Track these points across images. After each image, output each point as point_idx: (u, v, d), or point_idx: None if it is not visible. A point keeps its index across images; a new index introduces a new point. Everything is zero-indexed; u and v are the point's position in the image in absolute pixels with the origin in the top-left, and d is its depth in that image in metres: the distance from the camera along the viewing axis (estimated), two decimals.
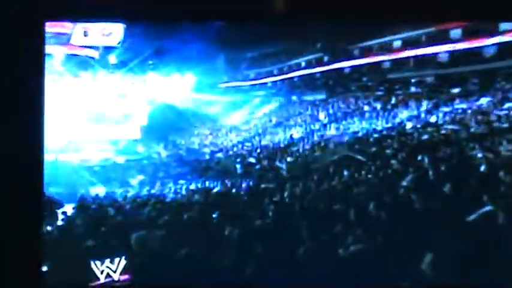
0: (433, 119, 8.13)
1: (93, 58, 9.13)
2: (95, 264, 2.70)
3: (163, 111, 12.69)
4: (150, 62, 12.14)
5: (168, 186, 8.53)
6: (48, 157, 3.67)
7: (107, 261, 2.72)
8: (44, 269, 2.73)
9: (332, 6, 2.84)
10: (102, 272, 2.69)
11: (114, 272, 2.72)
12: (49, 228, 3.61)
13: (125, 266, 2.76)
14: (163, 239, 3.05)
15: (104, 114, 10.74)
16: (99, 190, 7.12)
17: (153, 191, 7.81)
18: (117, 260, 2.75)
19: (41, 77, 2.36)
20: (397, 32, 11.76)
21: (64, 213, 4.16)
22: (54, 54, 7.58)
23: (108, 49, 9.04)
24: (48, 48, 3.24)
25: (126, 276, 2.75)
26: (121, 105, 11.47)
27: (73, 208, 4.50)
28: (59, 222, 3.75)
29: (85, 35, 2.91)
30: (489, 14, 2.97)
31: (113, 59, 10.47)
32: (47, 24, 2.72)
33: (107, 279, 2.69)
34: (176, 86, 13.23)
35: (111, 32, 2.92)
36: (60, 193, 5.54)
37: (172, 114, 13.13)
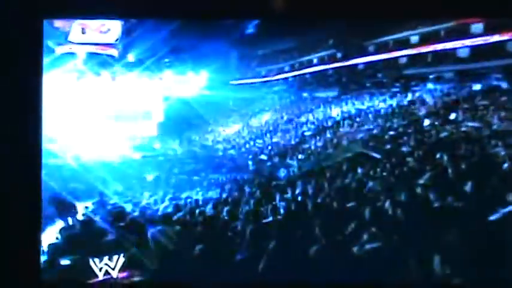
0: (452, 115, 7.85)
1: (113, 57, 9.29)
2: (94, 261, 2.70)
3: (179, 108, 12.84)
4: (166, 60, 12.29)
5: (183, 182, 8.65)
6: (68, 154, 3.82)
7: (105, 258, 2.72)
8: (66, 262, 2.78)
9: (345, 2, 2.78)
10: (100, 269, 2.70)
11: (113, 269, 2.72)
12: (70, 223, 3.72)
13: (124, 263, 2.74)
14: (179, 235, 3.08)
15: (122, 111, 10.96)
16: (118, 186, 7.30)
17: (168, 188, 7.95)
18: (115, 257, 2.75)
19: (39, 75, 2.35)
20: (414, 27, 11.39)
21: (86, 208, 4.28)
22: (78, 53, 7.78)
23: (127, 48, 9.22)
24: (73, 48, 3.35)
25: (124, 274, 2.74)
26: (138, 103, 11.68)
27: (92, 204, 4.63)
28: (80, 217, 3.84)
29: (83, 32, 2.94)
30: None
31: (131, 57, 10.65)
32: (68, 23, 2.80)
33: (106, 277, 2.69)
34: (191, 83, 13.36)
35: (109, 29, 2.93)
36: (80, 189, 5.71)
37: (187, 111, 13.28)
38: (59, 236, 3.24)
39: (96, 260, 2.73)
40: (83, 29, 2.88)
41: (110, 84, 10.84)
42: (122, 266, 2.73)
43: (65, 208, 3.97)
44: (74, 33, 2.92)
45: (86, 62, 9.07)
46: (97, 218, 3.57)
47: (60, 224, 3.67)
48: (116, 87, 11.05)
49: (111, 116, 10.73)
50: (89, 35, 2.91)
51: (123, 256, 2.78)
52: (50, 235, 3.32)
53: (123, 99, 11.24)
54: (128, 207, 4.55)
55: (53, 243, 3.05)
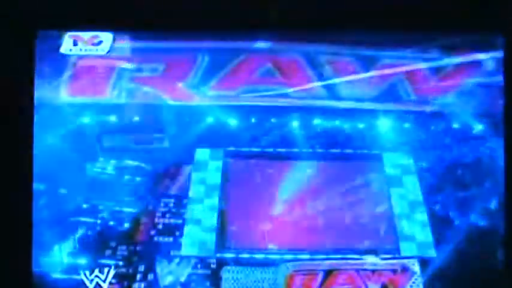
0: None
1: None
2: (85, 273, 2.75)
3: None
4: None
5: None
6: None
7: (96, 270, 2.77)
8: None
9: (362, 13, 2.74)
10: (91, 282, 2.74)
11: (104, 281, 2.76)
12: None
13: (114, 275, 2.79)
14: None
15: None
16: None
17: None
18: (106, 269, 2.80)
19: (31, 88, 2.39)
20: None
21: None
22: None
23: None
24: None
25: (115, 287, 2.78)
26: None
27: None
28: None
29: (74, 44, 3.08)
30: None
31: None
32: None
33: None
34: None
35: (102, 41, 3.07)
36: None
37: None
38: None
39: (87, 272, 2.77)
40: (74, 40, 3.02)
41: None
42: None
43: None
44: (65, 45, 3.08)
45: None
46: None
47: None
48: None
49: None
50: (81, 47, 3.06)
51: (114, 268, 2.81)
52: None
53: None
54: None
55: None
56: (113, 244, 3.17)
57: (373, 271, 2.84)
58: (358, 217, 3.35)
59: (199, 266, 3.03)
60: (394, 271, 2.84)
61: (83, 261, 2.97)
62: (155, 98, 3.41)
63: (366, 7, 2.70)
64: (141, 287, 2.94)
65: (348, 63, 3.26)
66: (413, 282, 2.83)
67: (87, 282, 2.69)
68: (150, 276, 3.01)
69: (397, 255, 3.02)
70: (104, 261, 3.01)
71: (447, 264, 2.92)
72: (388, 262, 2.91)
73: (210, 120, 3.68)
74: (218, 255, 3.09)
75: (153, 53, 3.30)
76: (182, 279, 2.98)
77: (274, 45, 3.16)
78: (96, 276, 2.72)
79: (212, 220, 3.31)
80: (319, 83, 3.23)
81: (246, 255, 3.11)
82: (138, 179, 3.83)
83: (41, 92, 2.65)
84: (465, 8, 2.73)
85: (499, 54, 2.88)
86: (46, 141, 2.80)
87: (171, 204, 3.51)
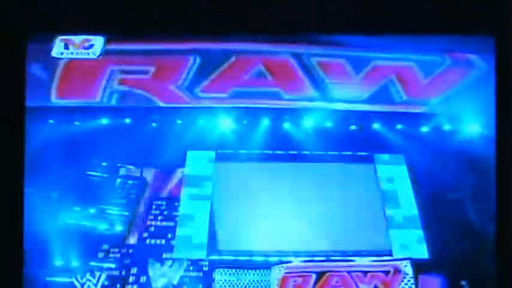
0: None
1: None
2: (76, 278, 2.81)
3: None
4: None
5: None
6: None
7: (88, 274, 2.83)
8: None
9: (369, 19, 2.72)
10: (83, 286, 2.81)
11: (95, 285, 2.82)
12: None
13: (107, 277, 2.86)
14: None
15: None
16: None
17: None
18: (97, 273, 2.86)
19: (23, 91, 2.40)
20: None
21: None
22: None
23: None
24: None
25: None
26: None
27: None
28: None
29: (66, 47, 3.13)
30: None
31: None
32: None
33: None
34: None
35: (93, 44, 3.11)
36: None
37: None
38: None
39: (79, 275, 2.80)
40: (66, 44, 3.05)
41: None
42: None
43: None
44: (56, 49, 3.10)
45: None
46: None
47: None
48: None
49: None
50: (72, 50, 3.10)
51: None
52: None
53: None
54: None
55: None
56: (105, 247, 3.17)
57: (366, 273, 2.83)
58: (349, 219, 3.34)
59: (191, 268, 3.03)
60: (386, 272, 2.84)
61: (75, 264, 2.97)
62: (146, 101, 3.37)
63: (357, 10, 2.70)
64: None
65: (339, 65, 3.24)
66: (406, 284, 2.83)
67: (79, 286, 2.74)
68: (143, 279, 3.00)
69: (389, 257, 3.02)
70: (96, 263, 3.01)
71: (440, 265, 2.92)
72: (381, 264, 2.90)
73: (201, 122, 3.65)
74: (210, 257, 3.10)
75: (143, 55, 3.27)
76: (175, 281, 2.98)
77: (266, 46, 3.16)
78: (88, 280, 2.77)
79: (204, 223, 3.30)
80: (311, 85, 3.22)
81: (238, 258, 3.10)
82: (130, 181, 3.83)
83: (32, 95, 2.66)
84: (458, 11, 2.73)
85: (492, 55, 2.87)
86: (37, 143, 2.79)
87: (163, 207, 3.50)
